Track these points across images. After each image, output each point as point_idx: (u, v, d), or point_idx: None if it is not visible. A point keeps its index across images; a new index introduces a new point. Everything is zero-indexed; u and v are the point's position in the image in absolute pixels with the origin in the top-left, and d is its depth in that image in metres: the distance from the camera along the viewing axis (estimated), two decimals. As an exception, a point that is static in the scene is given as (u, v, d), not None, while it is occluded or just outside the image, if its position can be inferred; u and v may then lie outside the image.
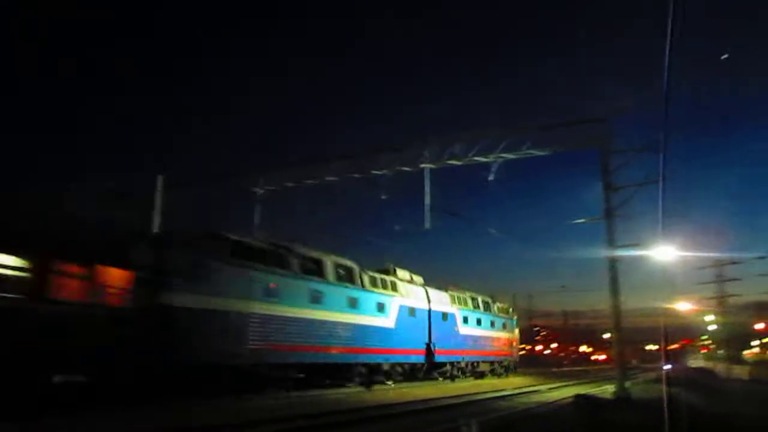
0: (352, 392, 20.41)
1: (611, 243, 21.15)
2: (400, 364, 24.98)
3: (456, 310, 30.19)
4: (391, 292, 24.68)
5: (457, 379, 29.58)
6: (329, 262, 21.37)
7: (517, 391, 23.99)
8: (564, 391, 24.43)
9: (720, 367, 68.42)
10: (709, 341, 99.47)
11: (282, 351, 17.92)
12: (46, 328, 11.81)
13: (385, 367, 23.73)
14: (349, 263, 22.60)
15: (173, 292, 14.29)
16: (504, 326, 36.68)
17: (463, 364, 30.70)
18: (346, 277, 22.10)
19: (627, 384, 21.99)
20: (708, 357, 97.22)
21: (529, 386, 27.13)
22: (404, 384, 24.57)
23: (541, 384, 29.05)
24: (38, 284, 12.13)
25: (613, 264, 21.26)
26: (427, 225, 23.10)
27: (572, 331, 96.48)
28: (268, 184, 26.28)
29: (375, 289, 23.63)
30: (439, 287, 29.91)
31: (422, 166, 23.57)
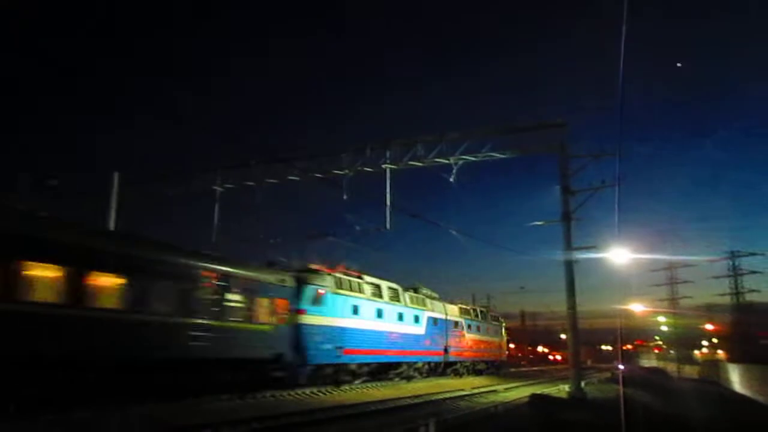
0: (403, 383, 26.69)
1: (568, 245, 21.52)
2: (428, 363, 30.78)
3: (462, 320, 35.65)
4: (422, 307, 30.05)
5: (464, 376, 34.57)
6: (384, 286, 26.55)
7: (474, 391, 24.20)
8: (521, 391, 24.72)
9: (672, 367, 70.28)
10: (662, 342, 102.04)
11: (363, 354, 23.90)
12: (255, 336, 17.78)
13: (418, 365, 29.45)
14: (395, 285, 27.78)
15: (304, 315, 20.74)
16: (496, 332, 42.77)
17: (468, 363, 36.37)
18: (395, 296, 27.36)
19: (582, 384, 22.40)
20: (660, 357, 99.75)
21: (487, 386, 27.38)
22: (430, 379, 30.04)
23: (498, 384, 29.35)
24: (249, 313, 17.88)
25: (569, 266, 21.63)
26: (389, 226, 23.18)
27: (530, 331, 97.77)
28: (228, 183, 25.98)
29: (413, 305, 28.99)
30: (451, 301, 35.71)
31: (384, 166, 23.62)
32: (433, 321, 30.97)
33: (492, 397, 22.12)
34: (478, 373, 37.41)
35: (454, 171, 22.93)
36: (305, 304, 20.82)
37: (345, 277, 23.57)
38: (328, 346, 21.51)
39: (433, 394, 21.75)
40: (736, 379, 33.60)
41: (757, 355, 38.65)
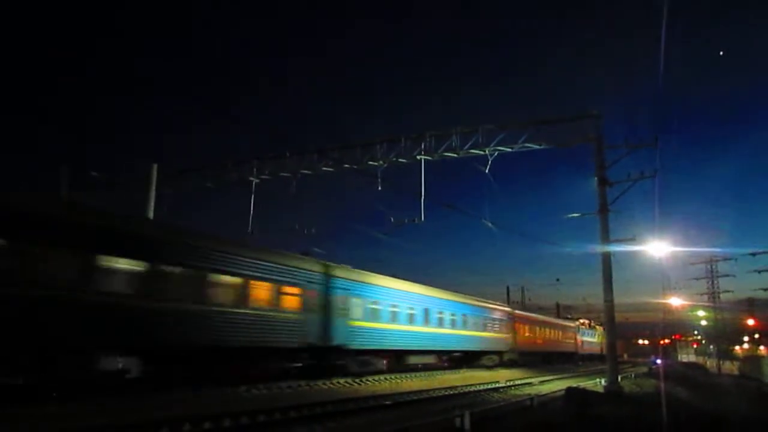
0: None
1: (605, 238, 21.22)
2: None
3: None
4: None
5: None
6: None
7: (509, 383, 24.13)
8: (556, 384, 24.55)
9: (710, 363, 68.93)
10: (700, 337, 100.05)
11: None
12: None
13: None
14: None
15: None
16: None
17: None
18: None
19: (618, 378, 22.13)
20: (699, 352, 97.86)
21: (521, 379, 27.27)
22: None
23: (533, 377, 29.20)
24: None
25: (606, 259, 21.34)
26: (423, 217, 23.15)
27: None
28: (263, 174, 26.23)
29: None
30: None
31: (419, 158, 23.57)
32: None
33: (527, 390, 22.02)
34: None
35: (489, 162, 22.78)
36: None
37: None
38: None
39: (467, 386, 21.77)
40: (777, 375, 32.83)
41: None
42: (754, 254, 52.35)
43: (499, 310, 38.58)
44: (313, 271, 20.47)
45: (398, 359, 26.24)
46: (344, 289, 21.63)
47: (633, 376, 34.20)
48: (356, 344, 21.80)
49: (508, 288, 63.27)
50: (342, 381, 20.04)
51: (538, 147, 22.59)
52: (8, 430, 9.52)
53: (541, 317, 50.26)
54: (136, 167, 27.53)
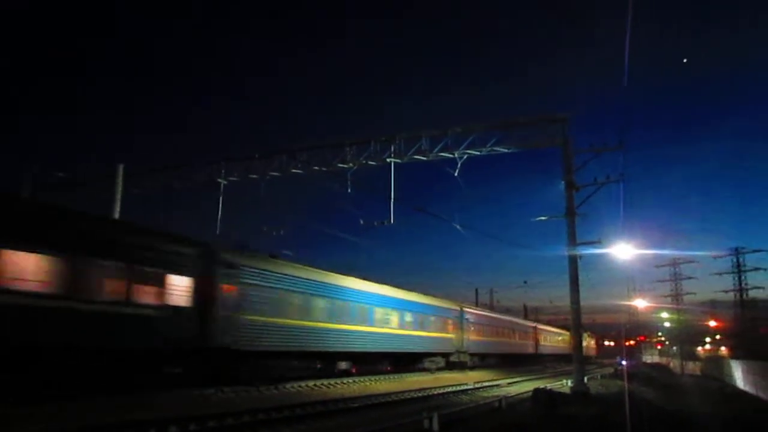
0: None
1: (572, 240, 21.46)
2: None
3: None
4: None
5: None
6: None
7: (477, 385, 24.24)
8: (524, 386, 24.73)
9: (674, 364, 70.24)
10: (665, 338, 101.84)
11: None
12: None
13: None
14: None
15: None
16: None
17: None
18: None
19: (585, 379, 22.39)
20: (663, 353, 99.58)
21: (490, 381, 27.42)
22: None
23: (501, 378, 29.40)
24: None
25: (573, 261, 21.58)
26: (392, 220, 23.14)
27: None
28: (232, 176, 25.96)
29: None
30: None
31: (389, 160, 23.58)
32: None
33: (495, 391, 22.14)
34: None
35: (458, 165, 22.90)
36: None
37: None
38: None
39: (436, 388, 21.79)
40: (738, 375, 33.58)
41: (759, 352, 38.62)
42: (715, 257, 53.68)
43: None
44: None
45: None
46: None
47: (599, 376, 34.65)
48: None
49: (476, 290, 63.63)
50: (311, 384, 19.83)
51: (506, 150, 22.78)
52: None
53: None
54: (102, 167, 27.08)
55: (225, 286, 16.88)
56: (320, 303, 21.69)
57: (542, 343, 56.83)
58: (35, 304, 11.92)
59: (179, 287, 15.40)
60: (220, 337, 16.41)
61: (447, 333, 33.01)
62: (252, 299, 17.96)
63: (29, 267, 11.95)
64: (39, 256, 12.10)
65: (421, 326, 29.67)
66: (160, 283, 14.91)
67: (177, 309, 15.22)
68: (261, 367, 18.52)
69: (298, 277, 20.75)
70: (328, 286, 22.60)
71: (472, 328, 36.97)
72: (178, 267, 15.44)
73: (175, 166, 27.35)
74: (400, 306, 28.06)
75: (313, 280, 21.69)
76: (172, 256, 15.46)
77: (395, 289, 28.72)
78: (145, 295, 14.45)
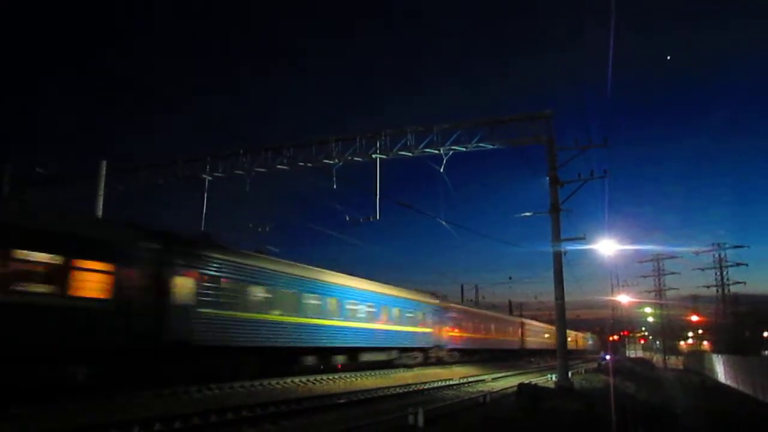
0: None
1: (556, 236, 21.62)
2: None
3: None
4: None
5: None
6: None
7: (462, 381, 24.36)
8: (508, 381, 24.90)
9: (657, 358, 70.96)
10: (647, 333, 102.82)
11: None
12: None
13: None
14: None
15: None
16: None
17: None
18: None
19: (569, 374, 22.57)
20: (646, 348, 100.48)
21: (475, 376, 27.57)
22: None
23: (486, 374, 29.54)
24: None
25: (558, 257, 21.74)
26: (378, 216, 23.17)
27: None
28: (217, 172, 25.87)
29: None
30: None
31: (374, 156, 23.60)
32: None
33: (480, 387, 22.27)
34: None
35: (443, 161, 22.98)
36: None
37: None
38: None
39: (421, 383, 21.89)
40: (720, 369, 33.99)
41: (740, 346, 39.15)
42: (697, 253, 54.24)
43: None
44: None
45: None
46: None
47: (583, 371, 34.95)
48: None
49: (462, 286, 63.78)
50: (297, 380, 19.81)
51: (491, 147, 22.89)
52: None
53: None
54: (85, 164, 26.87)
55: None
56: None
57: (528, 338, 57.01)
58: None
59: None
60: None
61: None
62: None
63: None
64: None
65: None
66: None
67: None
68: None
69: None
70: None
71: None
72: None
73: (158, 164, 27.24)
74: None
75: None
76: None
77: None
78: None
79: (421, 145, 23.17)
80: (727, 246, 53.02)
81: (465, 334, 38.41)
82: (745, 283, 53.12)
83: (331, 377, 22.08)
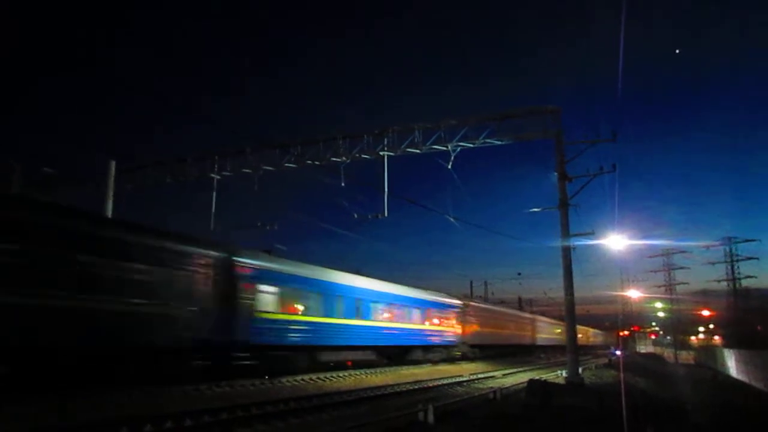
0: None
1: (565, 232, 21.51)
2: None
3: None
4: None
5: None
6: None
7: (472, 377, 24.33)
8: (519, 377, 24.84)
9: (668, 353, 70.63)
10: (658, 328, 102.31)
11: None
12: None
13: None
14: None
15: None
16: None
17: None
18: None
19: (580, 370, 22.49)
20: (656, 343, 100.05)
21: (485, 372, 27.52)
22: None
23: (496, 370, 29.51)
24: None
25: (567, 252, 21.63)
26: (386, 213, 23.14)
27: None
28: (225, 171, 25.92)
29: None
30: None
31: (381, 153, 23.57)
32: None
33: (490, 383, 22.23)
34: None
35: (451, 158, 22.90)
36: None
37: None
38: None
39: (431, 380, 21.86)
40: (731, 364, 33.81)
41: (752, 341, 38.88)
42: (707, 247, 53.98)
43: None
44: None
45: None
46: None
47: (594, 367, 34.82)
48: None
49: (471, 282, 63.76)
50: (307, 378, 19.87)
51: (499, 142, 22.80)
52: None
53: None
54: (96, 163, 26.94)
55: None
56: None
57: (539, 334, 57.66)
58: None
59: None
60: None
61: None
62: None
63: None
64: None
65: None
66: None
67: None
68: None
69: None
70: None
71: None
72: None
73: (166, 162, 27.30)
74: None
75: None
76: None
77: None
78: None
79: (429, 142, 23.11)
80: (737, 240, 52.77)
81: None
82: (756, 277, 52.86)
83: (341, 374, 22.11)
